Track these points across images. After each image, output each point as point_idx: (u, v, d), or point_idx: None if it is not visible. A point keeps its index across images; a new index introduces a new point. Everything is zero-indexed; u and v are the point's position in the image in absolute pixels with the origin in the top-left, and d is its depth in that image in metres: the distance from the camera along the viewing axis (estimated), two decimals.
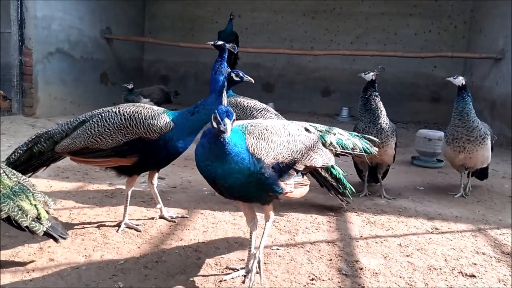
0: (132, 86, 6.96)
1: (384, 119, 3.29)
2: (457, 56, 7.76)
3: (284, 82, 9.59)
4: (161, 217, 2.73)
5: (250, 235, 2.09)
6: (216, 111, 1.70)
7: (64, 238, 2.04)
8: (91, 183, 3.39)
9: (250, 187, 1.85)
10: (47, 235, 1.97)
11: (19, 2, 6.11)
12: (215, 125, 1.69)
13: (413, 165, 4.75)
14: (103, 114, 2.43)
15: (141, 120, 2.35)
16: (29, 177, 2.46)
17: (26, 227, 1.91)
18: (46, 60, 6.64)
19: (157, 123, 2.35)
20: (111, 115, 2.40)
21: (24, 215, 1.91)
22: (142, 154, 2.38)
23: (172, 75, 9.91)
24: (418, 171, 4.48)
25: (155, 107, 2.49)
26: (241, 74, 2.57)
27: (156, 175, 2.70)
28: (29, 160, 2.50)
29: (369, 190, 3.53)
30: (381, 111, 3.28)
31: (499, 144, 6.17)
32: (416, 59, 8.48)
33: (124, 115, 2.38)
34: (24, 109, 6.47)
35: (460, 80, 3.37)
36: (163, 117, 2.38)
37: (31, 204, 1.96)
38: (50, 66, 6.70)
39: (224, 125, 1.66)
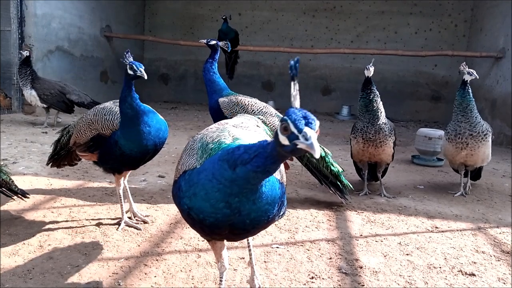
0: (28, 55, 5.32)
1: (383, 120, 3.27)
2: (457, 55, 7.76)
3: (284, 80, 9.58)
4: (120, 220, 2.56)
5: (221, 279, 1.70)
6: (286, 117, 1.09)
7: (28, 197, 2.57)
8: (91, 181, 3.39)
9: (272, 217, 1.41)
10: (21, 193, 2.51)
11: (19, 0, 6.11)
12: (284, 140, 1.09)
13: (413, 164, 4.75)
14: (89, 110, 2.49)
15: (101, 116, 2.33)
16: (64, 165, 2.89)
17: (11, 189, 2.45)
18: (46, 58, 6.65)
19: (110, 119, 2.29)
20: (90, 110, 2.44)
21: (10, 181, 2.45)
22: (101, 150, 2.36)
23: (172, 74, 9.91)
24: (418, 170, 4.48)
25: None
26: (134, 67, 2.23)
27: (126, 176, 2.64)
28: (60, 150, 2.71)
29: (369, 188, 3.53)
30: (381, 112, 3.26)
31: (499, 143, 6.17)
32: (417, 58, 8.48)
33: (95, 110, 2.39)
34: (24, 107, 6.49)
35: (469, 76, 3.33)
36: (118, 114, 2.30)
37: (5, 173, 2.44)
38: (50, 64, 6.71)
39: (307, 140, 1.04)
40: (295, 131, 1.07)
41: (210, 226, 1.34)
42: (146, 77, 2.28)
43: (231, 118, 3.12)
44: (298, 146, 1.07)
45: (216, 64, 3.39)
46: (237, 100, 3.17)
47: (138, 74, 2.24)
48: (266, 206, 1.34)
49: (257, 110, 3.14)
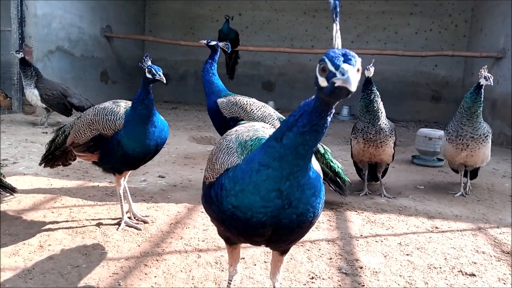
0: (23, 56, 5.41)
1: (383, 120, 3.27)
2: (457, 55, 7.76)
3: (284, 80, 9.59)
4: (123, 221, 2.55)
5: (230, 282, 1.71)
6: (324, 56, 1.03)
7: (16, 191, 2.77)
8: (91, 181, 3.39)
9: (315, 217, 1.35)
10: (10, 188, 2.73)
11: (19, 1, 6.12)
12: (323, 82, 1.04)
13: (414, 164, 4.75)
14: (87, 110, 2.48)
15: (102, 116, 2.31)
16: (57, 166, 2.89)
17: (1, 184, 2.67)
18: (46, 58, 6.66)
19: (112, 119, 2.28)
20: (90, 110, 2.43)
21: (2, 176, 2.71)
22: (102, 150, 2.35)
23: (173, 74, 9.92)
24: (419, 170, 4.48)
25: (123, 103, 2.41)
26: (153, 71, 2.25)
27: (126, 176, 2.64)
28: (55, 150, 2.68)
29: (369, 189, 3.53)
30: (381, 112, 3.26)
31: (499, 143, 6.17)
32: (417, 58, 8.48)
33: (95, 110, 2.38)
34: (24, 107, 6.50)
35: (485, 81, 3.23)
36: (120, 113, 2.30)
37: None
38: (50, 64, 6.72)
39: (344, 74, 0.98)
40: (333, 68, 1.00)
41: (256, 225, 1.26)
42: (165, 81, 2.29)
43: (230, 118, 3.16)
44: (336, 84, 0.99)
45: (216, 65, 3.40)
46: (236, 100, 3.19)
47: (157, 78, 2.25)
48: (313, 198, 1.28)
49: (256, 109, 3.15)
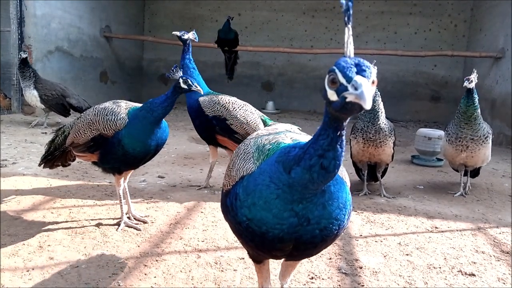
0: (26, 56, 5.42)
1: (383, 120, 3.28)
2: (457, 55, 7.76)
3: (284, 80, 9.59)
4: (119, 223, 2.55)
5: None
6: (334, 66, 0.94)
7: None
8: (91, 181, 3.39)
9: (342, 229, 1.24)
10: None
11: (18, 1, 6.11)
12: (332, 95, 0.94)
13: (413, 164, 4.75)
14: (87, 110, 2.49)
15: (103, 116, 2.32)
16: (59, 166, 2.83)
17: None
18: (46, 58, 6.65)
19: (113, 119, 2.29)
20: (90, 110, 2.44)
21: None
22: (102, 150, 2.35)
23: None
24: (418, 170, 4.48)
25: (124, 103, 2.42)
26: (189, 82, 2.37)
27: (127, 177, 2.64)
28: (54, 150, 2.68)
29: (368, 189, 3.53)
30: (381, 112, 3.27)
31: (498, 143, 6.18)
32: (416, 58, 8.49)
33: (95, 110, 2.39)
34: (24, 107, 6.49)
35: (467, 82, 3.21)
36: (121, 114, 2.32)
37: None
38: (49, 64, 6.71)
39: (357, 89, 0.88)
40: (344, 81, 0.90)
41: (273, 240, 1.15)
42: (202, 92, 2.52)
43: (212, 117, 3.14)
44: (347, 100, 0.89)
45: (192, 59, 3.29)
46: (218, 99, 3.17)
47: (192, 88, 2.38)
48: (337, 211, 1.16)
49: (238, 107, 3.14)
